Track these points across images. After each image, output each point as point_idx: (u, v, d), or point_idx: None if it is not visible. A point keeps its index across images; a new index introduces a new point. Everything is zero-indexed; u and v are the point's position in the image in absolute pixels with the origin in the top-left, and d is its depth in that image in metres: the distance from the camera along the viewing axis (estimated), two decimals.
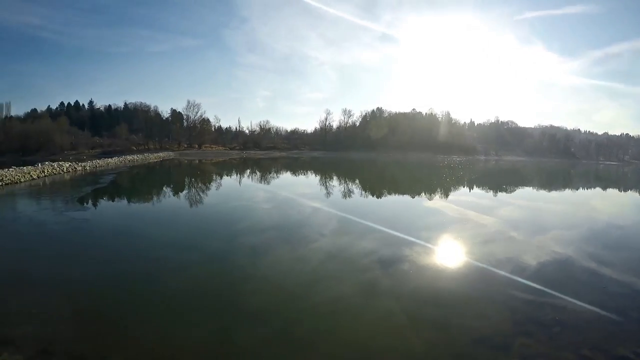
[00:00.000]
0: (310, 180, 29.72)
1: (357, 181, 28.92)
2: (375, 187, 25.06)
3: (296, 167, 44.61)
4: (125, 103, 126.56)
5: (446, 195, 21.45)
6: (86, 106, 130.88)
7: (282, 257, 8.74)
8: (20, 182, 29.16)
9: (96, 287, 7.29)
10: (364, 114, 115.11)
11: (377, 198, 19.35)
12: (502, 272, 8.05)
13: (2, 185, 26.31)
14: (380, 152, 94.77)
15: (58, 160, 49.32)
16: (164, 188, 26.12)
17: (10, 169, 33.55)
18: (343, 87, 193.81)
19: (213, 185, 27.58)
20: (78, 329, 5.53)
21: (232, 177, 34.38)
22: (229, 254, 9.23)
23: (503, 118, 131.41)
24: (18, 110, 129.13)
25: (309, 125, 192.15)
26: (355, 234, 10.75)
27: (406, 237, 10.26)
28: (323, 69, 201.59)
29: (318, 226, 11.82)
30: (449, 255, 9.27)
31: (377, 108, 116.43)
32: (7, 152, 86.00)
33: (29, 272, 8.42)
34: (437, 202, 18.16)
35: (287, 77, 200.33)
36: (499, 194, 24.29)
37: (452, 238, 10.89)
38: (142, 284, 7.32)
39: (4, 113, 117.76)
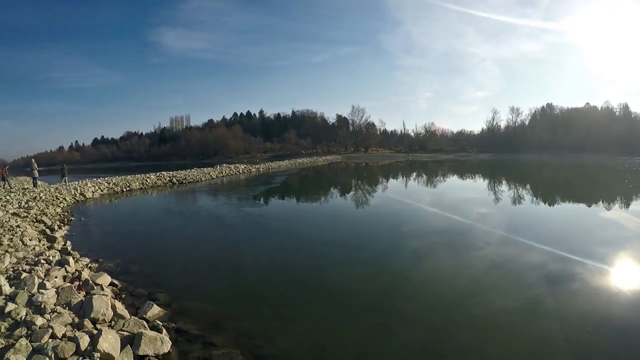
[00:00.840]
0: (477, 185, 28.68)
1: (526, 187, 26.66)
2: (546, 195, 22.69)
3: (463, 170, 44.93)
4: (293, 111, 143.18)
5: (627, 205, 18.31)
6: (257, 115, 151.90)
7: (444, 263, 8.73)
8: (201, 180, 34.89)
9: (265, 275, 8.21)
10: (532, 111, 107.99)
11: (549, 206, 18.21)
12: None
13: (186, 183, 32.73)
14: (552, 154, 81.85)
15: (234, 163, 56.18)
16: (331, 189, 27.89)
17: (193, 170, 41.66)
18: (508, 83, 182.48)
19: (379, 187, 29.00)
20: (246, 309, 6.31)
21: (398, 179, 35.65)
22: (391, 255, 9.50)
23: None
24: (196, 120, 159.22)
25: (476, 125, 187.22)
26: (523, 245, 10.26)
27: (578, 252, 9.41)
28: (484, 65, 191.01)
29: (484, 233, 11.60)
30: (628, 278, 8.09)
31: (547, 104, 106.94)
32: (188, 156, 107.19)
33: (208, 257, 9.96)
34: (616, 213, 15.83)
35: (448, 77, 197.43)
36: None
37: (634, 258, 9.30)
38: (307, 276, 8.02)
39: (185, 123, 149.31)
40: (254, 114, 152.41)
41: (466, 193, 23.30)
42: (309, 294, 7.12)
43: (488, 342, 5.25)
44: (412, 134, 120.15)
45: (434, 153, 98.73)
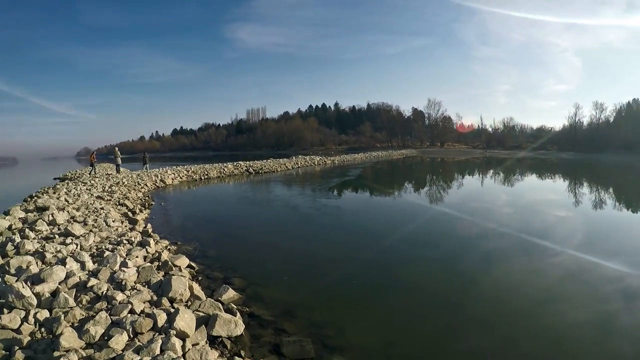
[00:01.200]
0: (558, 186, 26.75)
1: (610, 192, 24.23)
2: (629, 201, 20.61)
3: (542, 169, 42.14)
4: (368, 103, 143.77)
5: None
6: (332, 107, 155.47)
7: (516, 268, 8.57)
8: (277, 171, 36.12)
9: (338, 266, 8.33)
10: (617, 107, 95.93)
11: (633, 213, 16.73)
12: None
13: (262, 173, 34.06)
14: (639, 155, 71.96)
15: (309, 155, 57.17)
16: (406, 184, 28.32)
17: (269, 160, 43.06)
18: (591, 76, 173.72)
19: (454, 183, 28.20)
20: (318, 299, 6.55)
21: (474, 176, 34.57)
22: (461, 255, 9.39)
23: None
24: (272, 112, 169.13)
25: (557, 121, 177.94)
26: (602, 256, 9.30)
27: None
28: (565, 56, 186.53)
29: (561, 237, 11.14)
30: None
31: (633, 99, 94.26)
32: (263, 147, 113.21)
33: (283, 245, 10.23)
34: None
35: (527, 69, 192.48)
36: None
37: None
38: (379, 271, 8.14)
39: (261, 115, 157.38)
40: (329, 106, 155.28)
41: (545, 195, 21.96)
42: (380, 288, 7.21)
43: (556, 355, 5.18)
44: (490, 129, 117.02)
45: (511, 150, 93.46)
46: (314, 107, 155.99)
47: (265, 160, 42.18)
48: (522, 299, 6.78)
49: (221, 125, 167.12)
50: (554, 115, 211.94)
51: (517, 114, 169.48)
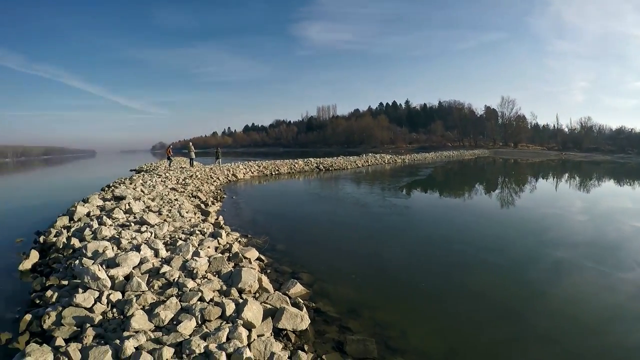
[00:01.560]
0: (637, 193, 24.86)
1: None
2: None
3: (619, 174, 38.43)
4: (440, 101, 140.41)
5: None
6: (403, 105, 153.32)
7: (586, 281, 8.13)
8: (347, 168, 36.24)
9: (406, 268, 8.42)
10: None
11: None
12: None
13: (332, 170, 34.43)
14: None
15: (379, 153, 56.79)
16: (477, 186, 27.49)
17: (339, 158, 43.17)
18: None
19: (527, 187, 26.96)
20: (384, 300, 6.51)
21: (548, 180, 32.53)
22: (530, 263, 9.06)
23: None
24: (342, 110, 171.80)
25: (637, 122, 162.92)
26: None
27: None
28: None
29: (636, 251, 10.18)
30: None
31: None
32: (333, 144, 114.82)
33: (352, 243, 10.29)
34: None
35: (606, 64, 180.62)
36: None
37: None
38: (446, 275, 8.05)
39: (331, 112, 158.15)
40: (400, 104, 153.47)
41: (624, 203, 20.18)
42: (445, 292, 7.18)
43: None
44: (566, 130, 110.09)
45: (589, 152, 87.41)
46: (384, 104, 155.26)
47: (335, 158, 42.31)
48: (590, 315, 6.51)
49: (292, 122, 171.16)
50: (634, 115, 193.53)
51: (595, 113, 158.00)
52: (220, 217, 11.68)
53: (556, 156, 74.97)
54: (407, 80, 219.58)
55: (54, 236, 8.87)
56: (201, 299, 5.06)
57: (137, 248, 6.84)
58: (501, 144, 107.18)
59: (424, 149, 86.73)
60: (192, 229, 9.23)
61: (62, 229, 9.34)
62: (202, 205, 14.00)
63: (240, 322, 4.47)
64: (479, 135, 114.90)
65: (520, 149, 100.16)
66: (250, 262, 7.32)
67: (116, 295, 5.15)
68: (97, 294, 5.15)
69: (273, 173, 29.93)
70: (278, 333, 4.79)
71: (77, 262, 6.38)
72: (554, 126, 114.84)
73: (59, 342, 4.19)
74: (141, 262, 6.27)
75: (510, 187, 26.26)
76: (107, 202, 12.06)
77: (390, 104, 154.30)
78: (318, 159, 38.73)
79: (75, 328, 4.56)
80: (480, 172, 40.70)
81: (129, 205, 11.12)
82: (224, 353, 3.88)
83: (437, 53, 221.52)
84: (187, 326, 4.33)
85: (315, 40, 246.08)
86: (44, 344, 4.09)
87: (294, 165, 33.11)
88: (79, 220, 10.25)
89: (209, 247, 7.68)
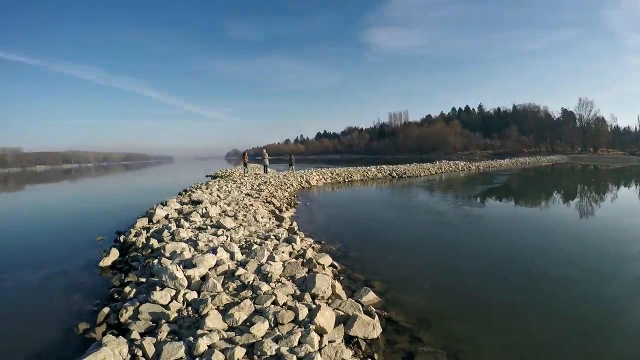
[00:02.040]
0: None
1: None
2: None
3: None
4: (514, 105, 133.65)
5: None
6: (476, 110, 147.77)
7: None
8: (420, 176, 35.41)
9: (481, 279, 8.18)
10: None
11: None
12: None
13: (405, 177, 33.94)
14: None
15: (452, 159, 55.49)
16: (555, 194, 26.14)
17: (412, 165, 42.65)
18: None
19: (606, 196, 25.03)
20: (457, 311, 6.35)
21: (630, 188, 30.08)
22: (610, 279, 8.41)
23: None
24: (414, 116, 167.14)
25: None
26: None
27: None
28: None
29: None
30: None
31: None
32: (406, 151, 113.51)
33: (425, 252, 10.22)
34: None
35: None
36: None
37: None
38: (522, 287, 7.76)
39: (403, 119, 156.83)
40: (473, 108, 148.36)
41: None
42: (520, 306, 6.92)
43: None
44: None
45: None
46: (456, 109, 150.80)
47: (408, 165, 41.81)
48: None
49: (363, 128, 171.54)
50: None
51: None
52: (295, 223, 11.88)
53: (638, 161, 69.36)
54: (479, 84, 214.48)
55: (134, 236, 9.56)
56: (275, 303, 5.12)
57: (214, 250, 7.09)
58: (580, 149, 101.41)
59: (498, 156, 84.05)
60: (267, 234, 9.44)
61: (142, 230, 10.04)
62: (277, 211, 14.30)
63: (312, 327, 4.47)
64: (556, 140, 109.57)
65: (600, 154, 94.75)
66: (324, 268, 7.35)
67: (192, 295, 5.37)
68: (173, 292, 5.41)
69: (346, 180, 30.07)
70: (349, 340, 4.75)
71: (155, 261, 6.79)
72: (636, 128, 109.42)
73: (135, 335, 4.44)
74: (217, 264, 6.50)
75: (590, 196, 24.95)
76: (184, 206, 12.72)
77: (463, 108, 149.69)
78: (391, 166, 38.43)
79: (150, 323, 4.81)
80: (558, 180, 38.78)
81: (206, 209, 11.63)
82: (295, 357, 3.88)
83: (509, 55, 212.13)
84: (260, 328, 4.39)
85: (385, 47, 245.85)
86: (120, 336, 4.35)
87: (367, 173, 33.04)
88: (158, 222, 10.90)
89: (283, 252, 7.80)
